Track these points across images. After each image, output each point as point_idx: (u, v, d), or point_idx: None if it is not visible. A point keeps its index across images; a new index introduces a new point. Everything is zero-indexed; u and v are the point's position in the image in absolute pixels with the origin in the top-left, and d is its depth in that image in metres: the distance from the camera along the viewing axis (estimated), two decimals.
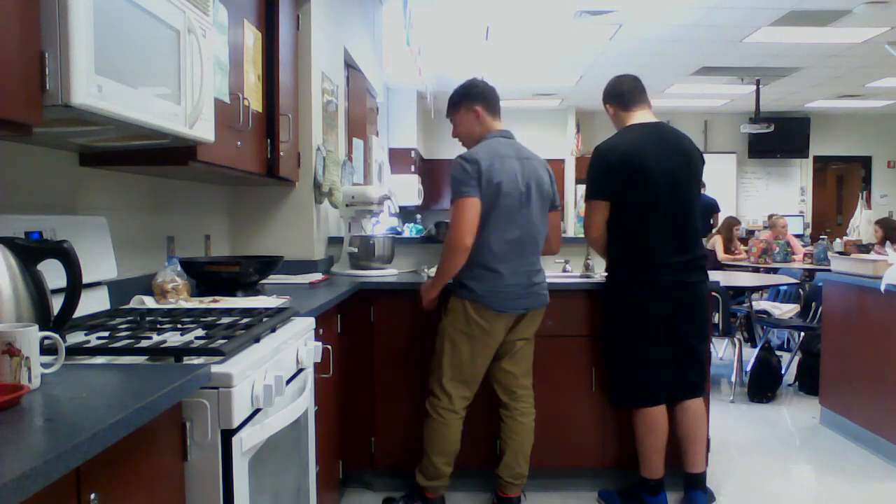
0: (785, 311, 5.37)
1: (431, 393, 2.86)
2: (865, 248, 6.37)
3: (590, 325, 3.20)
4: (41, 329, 1.25)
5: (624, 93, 3.01)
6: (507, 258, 2.73)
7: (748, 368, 4.84)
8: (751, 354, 5.00)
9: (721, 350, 6.00)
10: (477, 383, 2.86)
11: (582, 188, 4.65)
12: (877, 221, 6.94)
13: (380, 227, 5.26)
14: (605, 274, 3.10)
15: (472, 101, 2.87)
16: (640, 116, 2.99)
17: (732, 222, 7.66)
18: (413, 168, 9.26)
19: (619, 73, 3.13)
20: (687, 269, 2.90)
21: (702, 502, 2.98)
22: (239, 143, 2.45)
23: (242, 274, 2.63)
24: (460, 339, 2.78)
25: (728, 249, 7.47)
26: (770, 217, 8.08)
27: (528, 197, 2.76)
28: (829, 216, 12.54)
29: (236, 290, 2.57)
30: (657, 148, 2.88)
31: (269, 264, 2.76)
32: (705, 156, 3.16)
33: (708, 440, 3.23)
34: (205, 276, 2.60)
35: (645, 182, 2.84)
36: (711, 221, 7.84)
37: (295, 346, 1.97)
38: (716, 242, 7.31)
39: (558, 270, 3.83)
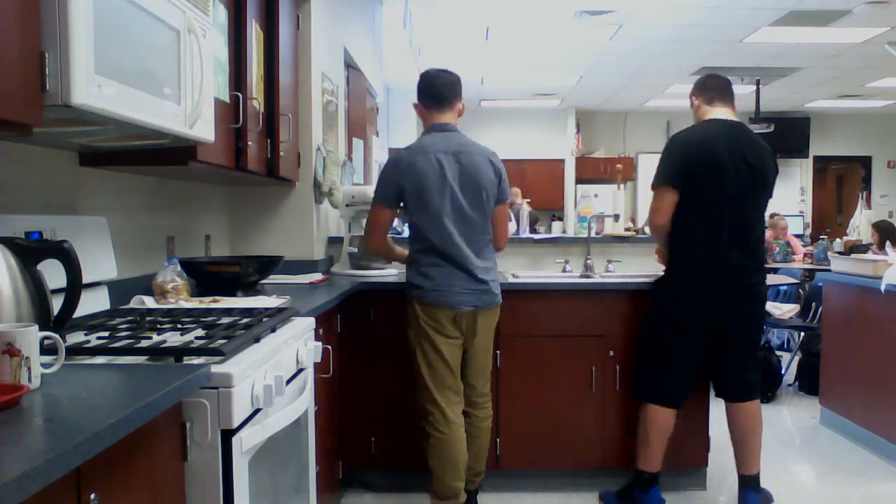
0: (785, 311, 5.37)
1: (424, 412, 2.77)
2: (864, 248, 6.38)
3: (590, 325, 3.20)
4: (41, 329, 1.25)
5: (714, 87, 2.99)
6: (442, 253, 2.68)
7: None
8: None
9: None
10: (460, 387, 2.79)
11: (582, 188, 4.64)
12: (873, 224, 6.94)
13: None
14: (663, 271, 3.02)
15: (418, 95, 2.83)
16: (719, 113, 2.94)
17: None
18: None
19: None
20: (748, 272, 2.87)
21: (754, 502, 2.97)
22: (239, 143, 2.45)
23: (242, 274, 2.63)
24: (425, 345, 2.72)
25: None
26: (771, 217, 8.09)
27: (461, 192, 2.67)
28: (829, 216, 12.54)
29: (236, 290, 2.57)
30: (734, 146, 2.82)
31: (269, 264, 2.76)
32: None
33: (708, 439, 3.24)
34: (205, 276, 2.60)
35: (717, 178, 2.79)
36: None
37: (295, 346, 1.97)
38: None
39: (558, 270, 3.84)
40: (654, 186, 2.92)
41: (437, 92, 2.78)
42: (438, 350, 2.70)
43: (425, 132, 2.80)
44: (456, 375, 2.76)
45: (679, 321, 2.89)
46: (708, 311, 2.85)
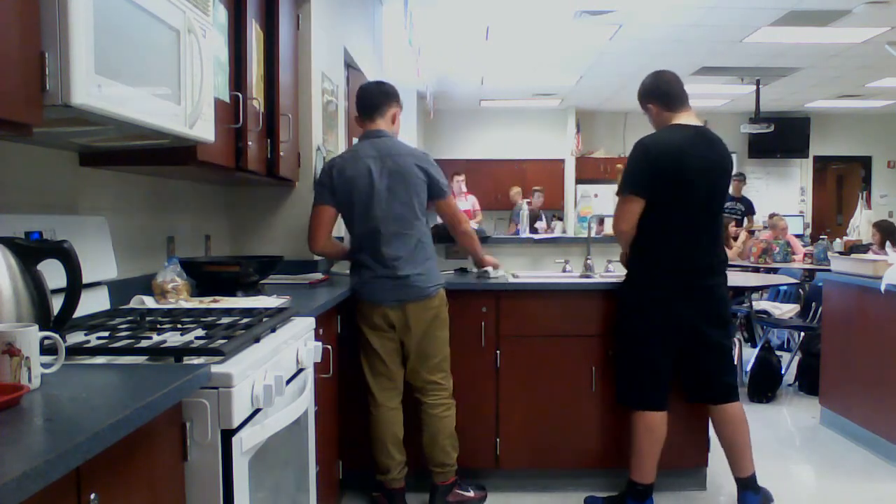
0: (785, 311, 5.37)
1: (365, 393, 2.99)
2: (864, 248, 6.39)
3: (589, 325, 3.20)
4: (41, 329, 1.25)
5: (669, 92, 2.91)
6: (369, 251, 2.87)
7: (748, 368, 4.84)
8: (751, 354, 5.00)
9: None
10: (395, 377, 2.97)
11: (582, 188, 4.64)
12: (875, 224, 6.94)
13: None
14: (626, 273, 3.03)
15: (357, 108, 3.02)
16: (684, 118, 2.89)
17: (725, 221, 7.65)
18: None
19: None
20: (707, 273, 2.87)
21: (753, 503, 2.97)
22: (239, 143, 2.45)
23: (242, 274, 2.63)
24: (360, 335, 2.96)
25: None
26: (771, 217, 8.08)
27: (387, 192, 2.84)
28: (829, 216, 12.54)
29: (236, 290, 2.57)
30: (700, 152, 2.81)
31: (269, 264, 2.76)
32: None
33: (708, 439, 3.23)
34: (205, 276, 2.60)
35: (684, 187, 2.78)
36: (746, 222, 7.97)
37: (295, 346, 1.97)
38: None
39: (558, 270, 3.84)
40: (620, 193, 2.93)
41: (365, 102, 2.98)
42: (369, 341, 2.92)
43: (359, 140, 2.99)
44: (388, 364, 2.94)
45: (647, 319, 2.88)
46: (673, 309, 2.85)
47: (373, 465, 2.98)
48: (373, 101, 2.96)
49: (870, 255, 4.42)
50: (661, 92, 2.92)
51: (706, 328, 2.89)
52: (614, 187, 4.46)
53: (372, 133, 2.94)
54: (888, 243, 6.08)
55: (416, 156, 2.94)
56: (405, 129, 10.22)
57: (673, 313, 2.85)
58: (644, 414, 2.92)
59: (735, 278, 5.45)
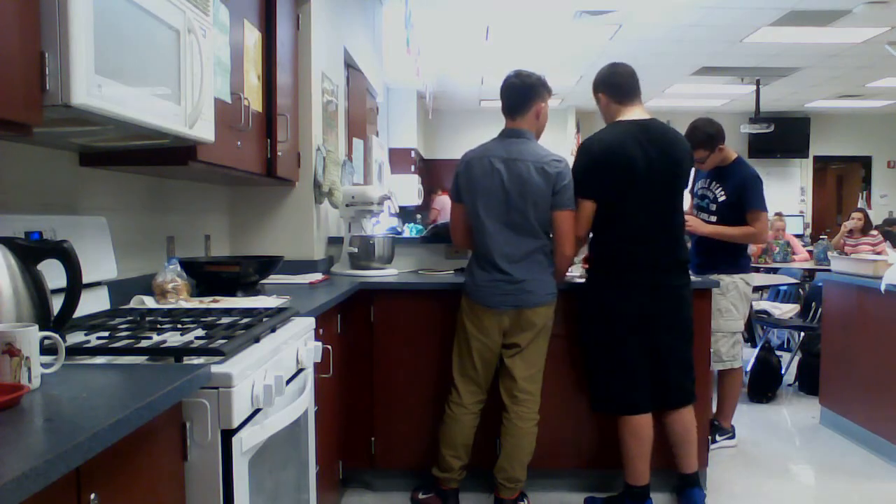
0: (785, 311, 5.37)
1: (452, 385, 2.96)
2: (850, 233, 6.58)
3: None
4: (41, 329, 1.25)
5: (621, 84, 2.92)
6: (485, 253, 2.84)
7: (748, 368, 4.84)
8: (751, 354, 5.00)
9: None
10: (482, 382, 2.92)
11: None
12: (853, 215, 7.03)
13: (380, 227, 5.26)
14: (586, 276, 3.04)
15: (502, 103, 2.94)
16: (631, 112, 2.88)
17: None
18: (413, 168, 9.28)
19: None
20: (667, 271, 2.85)
21: (700, 498, 2.97)
22: (239, 143, 2.45)
23: (242, 274, 2.63)
24: (461, 333, 2.92)
25: None
26: (780, 217, 8.09)
27: (506, 197, 2.78)
28: (829, 216, 12.55)
29: (236, 290, 2.57)
30: (646, 147, 2.79)
31: (269, 264, 2.76)
32: None
33: (708, 440, 3.23)
34: (205, 276, 2.60)
35: (630, 181, 2.78)
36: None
37: (295, 346, 1.97)
38: None
39: None
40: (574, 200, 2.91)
41: (508, 100, 2.90)
42: (469, 344, 2.88)
43: (498, 136, 2.92)
44: (479, 370, 2.89)
45: (611, 316, 2.86)
46: (636, 302, 2.82)
47: (437, 460, 2.96)
48: (516, 98, 2.87)
49: (871, 256, 4.43)
50: (613, 83, 2.96)
51: (667, 331, 2.87)
52: None
53: (508, 132, 2.88)
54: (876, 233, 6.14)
55: (542, 162, 2.79)
56: (405, 129, 10.21)
57: (640, 312, 2.82)
58: (627, 419, 2.89)
59: None
